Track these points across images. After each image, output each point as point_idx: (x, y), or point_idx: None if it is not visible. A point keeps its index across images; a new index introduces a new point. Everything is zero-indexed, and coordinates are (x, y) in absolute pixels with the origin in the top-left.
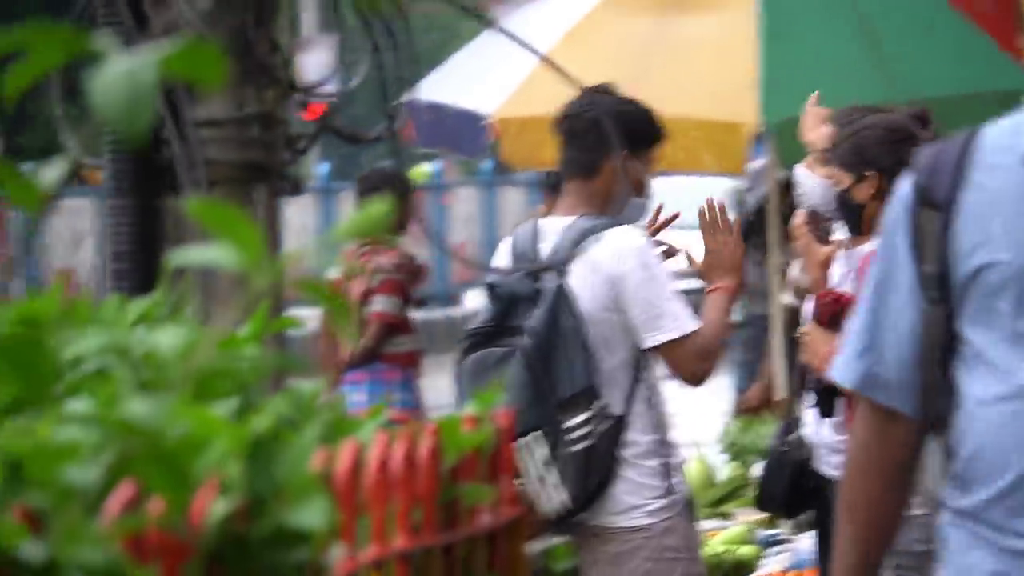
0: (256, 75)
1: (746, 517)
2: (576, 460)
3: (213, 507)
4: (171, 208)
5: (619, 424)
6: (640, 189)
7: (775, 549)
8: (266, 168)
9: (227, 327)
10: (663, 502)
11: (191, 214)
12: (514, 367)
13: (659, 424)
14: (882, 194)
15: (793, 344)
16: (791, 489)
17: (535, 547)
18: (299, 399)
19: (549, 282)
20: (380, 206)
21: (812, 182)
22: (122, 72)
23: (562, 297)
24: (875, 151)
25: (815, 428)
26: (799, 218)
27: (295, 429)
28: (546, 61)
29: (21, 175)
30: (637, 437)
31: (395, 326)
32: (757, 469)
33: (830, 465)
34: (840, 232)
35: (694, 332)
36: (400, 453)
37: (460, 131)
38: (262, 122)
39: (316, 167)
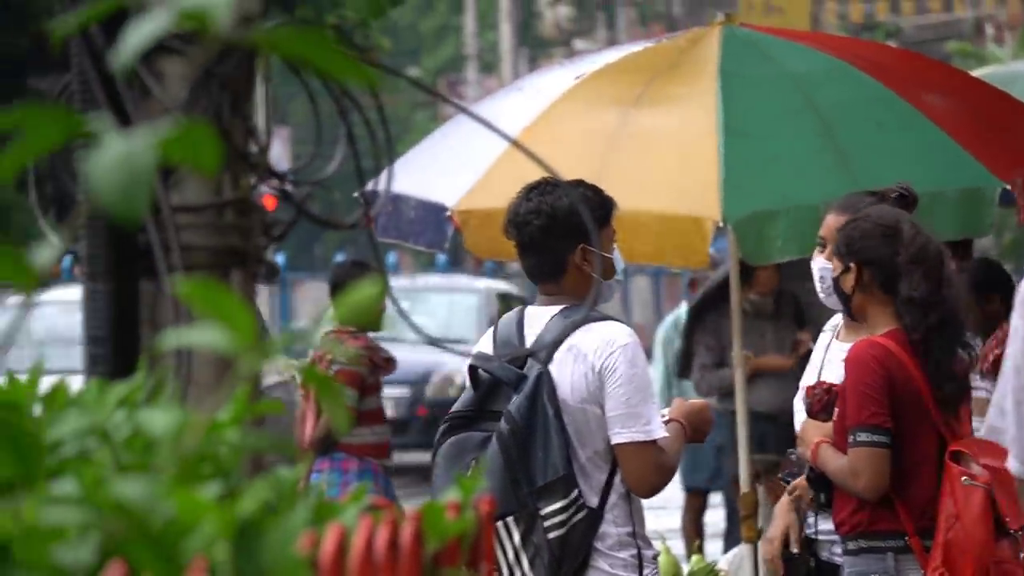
0: (232, 160)
1: None
2: (550, 549)
3: None
4: (146, 293)
5: (594, 515)
6: (609, 271)
7: None
8: (243, 253)
9: (210, 410)
10: None
11: (182, 296)
12: (491, 452)
13: (633, 516)
14: (863, 286)
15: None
16: None
17: None
18: (280, 484)
19: (531, 369)
20: (368, 288)
21: (828, 273)
22: (120, 154)
23: (543, 384)
24: (860, 243)
25: (815, 518)
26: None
27: (276, 514)
28: (517, 146)
29: (16, 253)
30: (611, 529)
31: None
32: (723, 562)
33: (834, 553)
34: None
35: (658, 442)
36: (384, 537)
37: (422, 222)
38: (238, 208)
39: (272, 257)
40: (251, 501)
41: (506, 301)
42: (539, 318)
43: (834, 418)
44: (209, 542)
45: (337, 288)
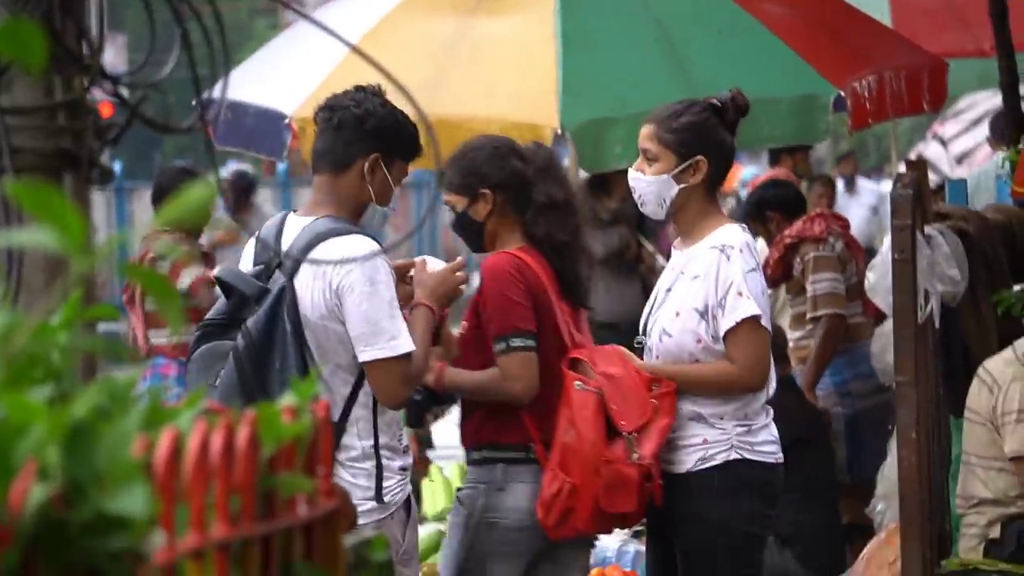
0: (64, 62)
1: None
2: None
3: (32, 493)
4: None
5: (334, 429)
6: (385, 198)
7: None
8: (75, 157)
9: (41, 313)
10: (373, 504)
11: (11, 197)
12: (227, 366)
13: (379, 429)
14: (498, 209)
15: None
16: None
17: (352, 538)
18: (113, 388)
19: (276, 282)
20: (201, 191)
21: (645, 182)
22: None
23: (283, 299)
24: (486, 169)
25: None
26: None
27: (110, 418)
28: (357, 51)
29: None
30: (354, 441)
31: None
32: None
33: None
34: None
35: (405, 355)
36: (219, 441)
37: (261, 130)
38: (70, 110)
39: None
40: (83, 405)
41: None
42: (296, 227)
43: (461, 331)
44: (40, 445)
45: (161, 194)
